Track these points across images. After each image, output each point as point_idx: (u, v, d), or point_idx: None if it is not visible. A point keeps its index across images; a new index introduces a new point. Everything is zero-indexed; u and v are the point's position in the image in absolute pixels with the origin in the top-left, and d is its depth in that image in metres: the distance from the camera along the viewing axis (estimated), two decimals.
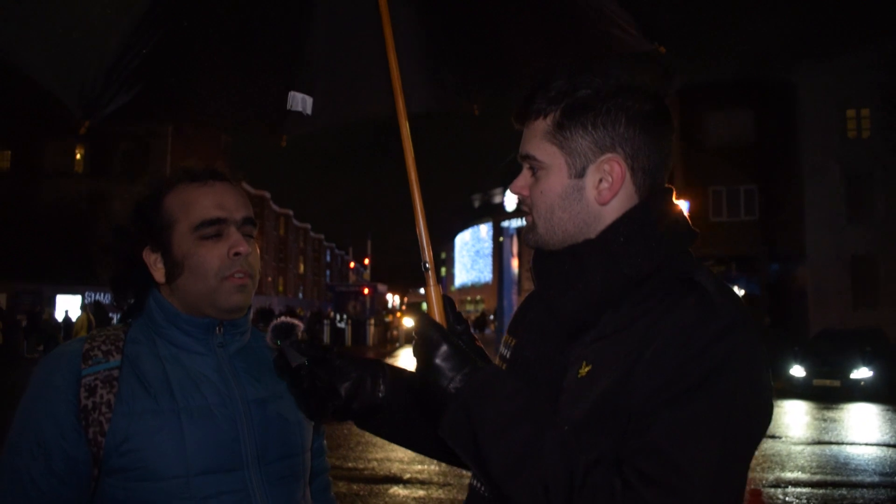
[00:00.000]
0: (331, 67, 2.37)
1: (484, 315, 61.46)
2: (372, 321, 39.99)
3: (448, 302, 1.58)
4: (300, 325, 1.71)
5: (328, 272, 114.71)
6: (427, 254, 1.63)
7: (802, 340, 21.97)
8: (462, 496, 8.82)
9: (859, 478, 9.71)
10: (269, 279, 78.46)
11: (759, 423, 1.37)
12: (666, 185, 1.56)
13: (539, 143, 1.53)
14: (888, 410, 16.35)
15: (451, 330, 1.52)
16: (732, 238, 31.01)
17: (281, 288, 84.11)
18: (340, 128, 2.59)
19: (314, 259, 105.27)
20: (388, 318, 43.28)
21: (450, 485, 8.91)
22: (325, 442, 2.12)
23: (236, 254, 1.75)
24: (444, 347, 1.43)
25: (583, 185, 1.51)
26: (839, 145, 29.54)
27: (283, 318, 1.71)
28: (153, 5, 2.00)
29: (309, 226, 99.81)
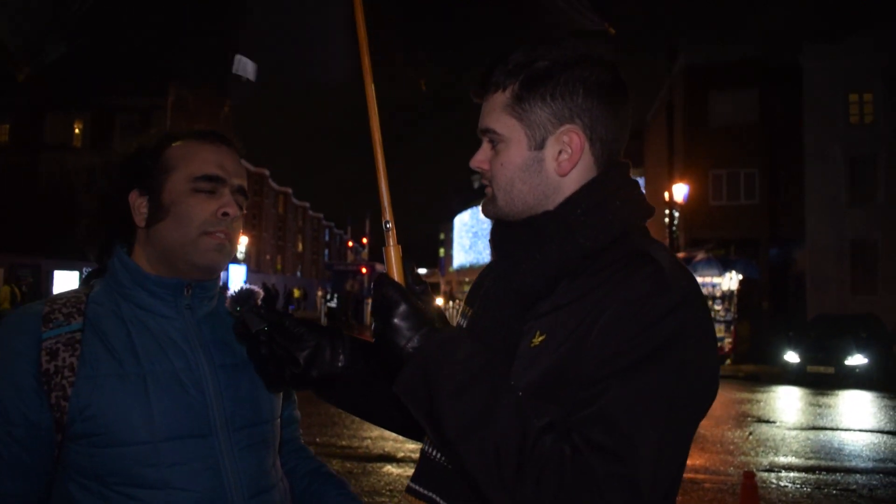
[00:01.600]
0: (278, 30, 2.34)
1: None
2: (369, 300, 40.01)
3: (407, 262, 1.57)
4: (260, 292, 1.70)
5: (326, 251, 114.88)
6: (388, 213, 1.61)
7: (800, 325, 21.94)
8: None
9: (853, 463, 9.74)
10: (268, 257, 78.54)
11: (705, 397, 1.40)
12: (622, 160, 1.58)
13: (498, 116, 1.54)
14: (882, 397, 16.35)
15: (410, 290, 1.49)
16: (732, 221, 31.08)
17: (279, 266, 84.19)
18: (292, 94, 2.55)
19: (313, 238, 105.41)
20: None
21: None
22: (297, 412, 2.09)
23: (224, 214, 1.73)
24: (402, 307, 1.43)
25: (542, 157, 1.52)
26: (842, 129, 29.45)
27: (243, 286, 1.69)
28: None
29: (308, 204, 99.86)
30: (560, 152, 1.50)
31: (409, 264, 1.57)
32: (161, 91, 41.21)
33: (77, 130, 44.92)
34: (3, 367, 1.62)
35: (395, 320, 1.42)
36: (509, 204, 1.54)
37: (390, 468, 8.72)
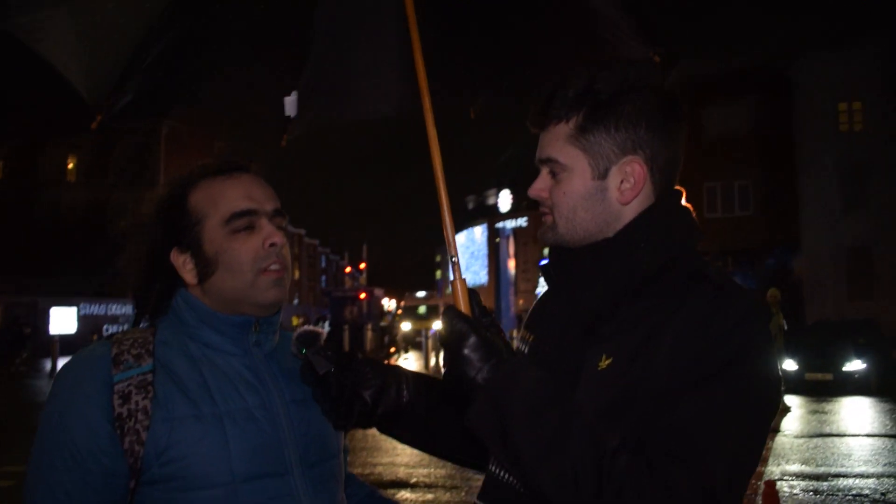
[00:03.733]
0: (333, 67, 2.41)
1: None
2: (369, 326, 39.28)
3: (473, 294, 1.59)
4: (323, 332, 1.71)
5: (323, 278, 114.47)
6: (453, 248, 1.65)
7: (798, 333, 21.88)
8: (469, 498, 8.70)
9: (862, 468, 9.76)
10: None
11: (772, 405, 1.44)
12: (676, 187, 1.64)
13: (561, 146, 1.58)
14: (881, 402, 16.26)
15: (477, 321, 1.53)
16: (728, 233, 31.12)
17: None
18: (341, 128, 2.63)
19: (309, 265, 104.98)
20: (385, 323, 42.45)
21: (456, 487, 8.92)
22: (347, 442, 2.08)
23: (272, 245, 1.68)
24: (472, 338, 1.45)
25: (605, 186, 1.56)
26: (833, 138, 29.63)
27: (306, 327, 1.71)
28: (167, 6, 2.03)
29: (303, 231, 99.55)
30: (622, 182, 1.55)
31: (475, 297, 1.58)
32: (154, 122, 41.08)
33: (70, 165, 44.80)
34: (77, 412, 1.56)
35: (465, 351, 1.44)
36: (570, 231, 1.58)
37: (405, 493, 8.72)
